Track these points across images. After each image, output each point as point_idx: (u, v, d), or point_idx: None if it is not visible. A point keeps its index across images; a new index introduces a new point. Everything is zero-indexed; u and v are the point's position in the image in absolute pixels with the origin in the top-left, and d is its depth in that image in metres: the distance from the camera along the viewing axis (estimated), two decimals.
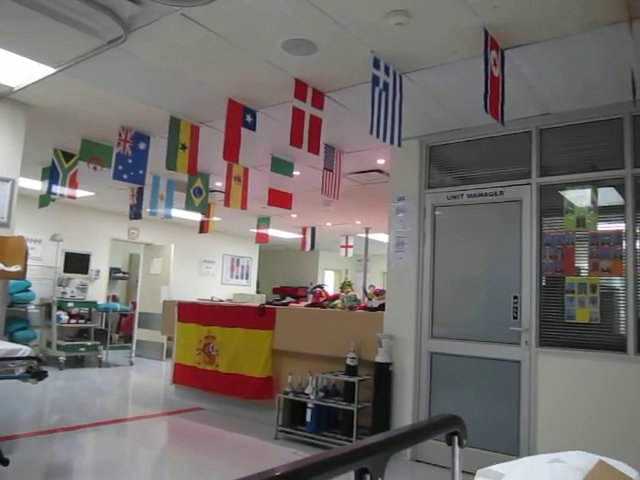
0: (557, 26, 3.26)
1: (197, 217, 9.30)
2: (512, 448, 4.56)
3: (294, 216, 10.72)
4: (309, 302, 7.12)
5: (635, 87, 2.87)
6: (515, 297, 4.73)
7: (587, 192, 4.60)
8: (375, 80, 3.65)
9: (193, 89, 4.54)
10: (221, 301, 8.40)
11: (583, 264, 4.51)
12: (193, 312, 7.18)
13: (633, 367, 4.13)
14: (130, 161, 5.46)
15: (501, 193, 4.92)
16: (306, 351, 5.88)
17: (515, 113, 4.59)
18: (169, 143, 5.02)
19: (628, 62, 3.34)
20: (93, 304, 10.20)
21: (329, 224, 12.04)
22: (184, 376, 7.09)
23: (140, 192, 7.55)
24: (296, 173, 6.58)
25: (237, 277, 14.95)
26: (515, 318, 4.71)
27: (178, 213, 8.59)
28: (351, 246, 13.45)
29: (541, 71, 3.89)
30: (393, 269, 5.45)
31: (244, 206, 6.36)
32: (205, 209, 7.56)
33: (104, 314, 10.38)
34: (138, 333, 11.06)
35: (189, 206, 6.89)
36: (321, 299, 6.78)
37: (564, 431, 4.32)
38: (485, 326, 4.89)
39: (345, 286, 7.89)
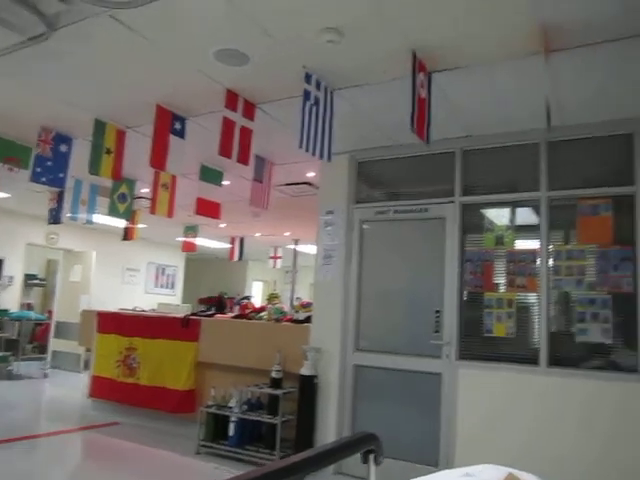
0: (481, 53, 3.41)
1: (121, 223, 8.98)
2: (432, 460, 4.67)
3: (223, 225, 10.58)
4: (235, 313, 7.03)
5: (550, 115, 3.04)
6: (437, 311, 4.88)
7: (506, 212, 4.83)
8: (306, 95, 3.68)
9: (120, 93, 4.40)
10: (144, 311, 8.13)
11: (501, 280, 4.72)
12: (114, 322, 6.91)
13: (545, 379, 4.35)
14: (50, 163, 5.20)
15: (426, 210, 5.07)
16: (231, 363, 5.80)
17: (440, 134, 4.76)
18: (93, 147, 4.83)
19: (544, 91, 3.55)
20: (4, 312, 9.62)
21: (258, 235, 11.98)
22: (102, 389, 6.80)
23: (60, 196, 7.19)
24: (226, 182, 6.50)
25: (162, 286, 14.55)
26: (437, 332, 4.85)
27: (101, 219, 8.26)
28: (280, 257, 13.43)
29: (465, 95, 4.05)
30: (320, 282, 5.48)
31: (171, 214, 6.22)
32: (130, 216, 7.29)
33: (17, 323, 9.79)
34: (54, 344, 10.48)
35: (113, 212, 6.64)
36: (247, 310, 6.71)
37: (482, 443, 4.48)
38: (408, 339, 5.01)
39: (272, 298, 7.86)
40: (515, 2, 2.83)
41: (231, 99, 4.16)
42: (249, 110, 4.33)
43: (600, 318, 4.29)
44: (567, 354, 4.39)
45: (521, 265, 4.63)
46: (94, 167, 4.80)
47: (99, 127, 4.88)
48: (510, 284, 4.66)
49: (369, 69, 3.70)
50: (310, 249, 12.07)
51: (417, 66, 3.35)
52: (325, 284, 5.43)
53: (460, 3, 2.87)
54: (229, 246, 12.39)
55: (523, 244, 4.71)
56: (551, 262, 4.53)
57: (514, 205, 4.80)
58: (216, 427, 5.46)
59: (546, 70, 3.09)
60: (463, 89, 3.95)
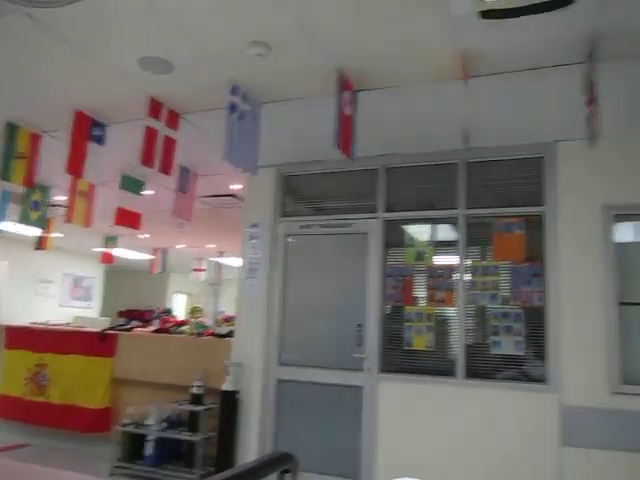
0: (405, 76, 3.53)
1: (34, 232, 8.50)
2: (355, 473, 4.69)
3: (145, 236, 10.26)
4: (155, 328, 6.82)
5: (467, 137, 3.18)
6: (360, 325, 4.94)
7: (426, 228, 4.98)
8: (232, 107, 3.65)
9: (37, 95, 4.19)
10: (57, 325, 7.72)
11: (421, 295, 4.85)
12: (23, 337, 6.51)
13: (462, 390, 4.50)
14: None
15: (350, 225, 5.14)
16: (150, 380, 5.59)
17: (365, 151, 4.83)
18: (4, 151, 4.56)
19: (463, 114, 3.71)
20: None
21: (182, 246, 11.70)
22: (9, 409, 6.36)
23: None
24: (149, 192, 6.32)
25: (79, 299, 13.88)
26: (359, 345, 4.90)
27: (12, 227, 7.79)
28: (204, 269, 13.18)
29: (389, 114, 4.17)
30: (244, 295, 5.42)
31: (88, 223, 5.96)
32: (43, 224, 6.94)
33: None
34: None
35: (25, 220, 6.29)
36: (168, 325, 6.52)
37: (403, 455, 4.55)
38: (332, 353, 5.03)
39: (194, 312, 7.68)
40: (437, 30, 2.95)
41: (154, 107, 4.06)
42: (173, 119, 4.25)
43: (513, 331, 4.50)
44: (483, 366, 4.56)
45: (440, 280, 4.79)
46: (5, 172, 4.54)
47: (11, 130, 4.62)
48: (430, 298, 4.80)
49: (297, 84, 3.73)
50: (235, 262, 11.93)
51: (343, 84, 3.42)
52: (249, 297, 5.37)
53: (385, 28, 2.95)
54: (151, 257, 12.02)
55: (442, 259, 4.87)
56: (468, 277, 4.71)
57: (434, 222, 4.97)
58: (133, 446, 5.23)
59: (465, 94, 3.23)
60: (387, 108, 4.06)
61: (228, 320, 6.06)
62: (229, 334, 5.54)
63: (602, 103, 3.68)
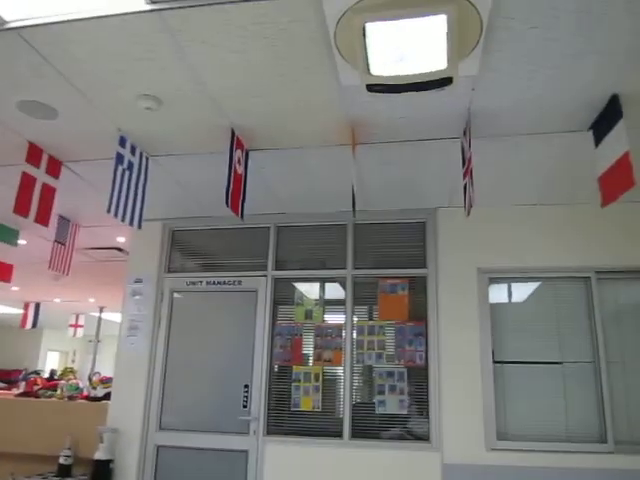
0: (297, 139, 3.61)
1: None
2: None
3: (15, 289, 9.45)
4: (20, 391, 6.18)
5: (355, 200, 3.29)
6: (246, 386, 4.80)
7: (316, 287, 5.02)
8: (119, 158, 3.52)
9: None
10: None
11: (309, 354, 4.83)
12: None
13: (348, 451, 4.46)
14: None
15: (239, 283, 5.07)
16: (10, 450, 5.02)
17: (257, 209, 4.88)
18: None
19: (351, 178, 3.84)
20: None
21: (58, 300, 10.89)
22: None
23: None
24: (22, 242, 5.86)
25: None
26: (245, 407, 4.74)
27: None
28: (81, 326, 12.32)
29: (280, 174, 4.23)
30: (124, 354, 5.09)
31: None
32: None
33: None
34: None
35: None
36: (36, 387, 5.95)
37: None
38: (217, 416, 4.82)
39: (67, 373, 7.08)
40: (328, 98, 3.07)
41: (34, 153, 3.82)
42: (54, 167, 4.01)
43: (397, 390, 4.59)
44: (368, 426, 4.57)
45: (328, 339, 4.81)
46: None
47: None
48: (317, 358, 4.79)
49: (188, 140, 3.68)
50: (117, 317, 11.27)
51: (235, 143, 3.42)
52: (129, 357, 5.05)
53: (278, 92, 3.02)
54: (22, 312, 11.05)
55: (330, 318, 4.91)
56: (355, 336, 4.77)
57: (323, 281, 5.03)
58: None
59: (352, 161, 3.37)
60: (278, 169, 4.12)
61: (105, 382, 5.62)
62: (105, 397, 5.14)
63: (476, 175, 4.00)
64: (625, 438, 4.24)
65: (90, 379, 6.72)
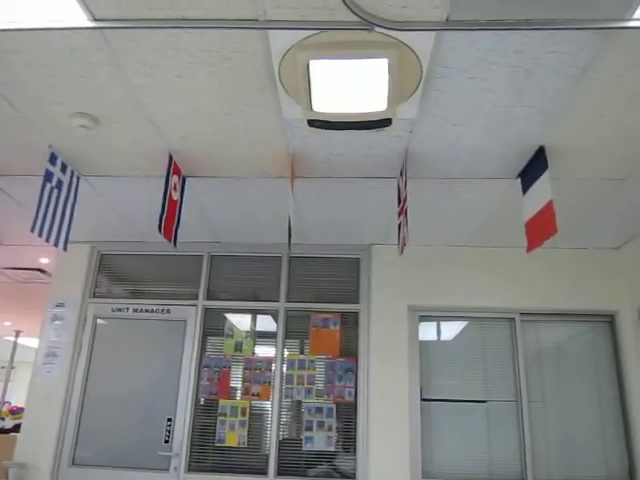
0: (236, 168, 3.59)
1: None
2: None
3: None
4: None
5: (290, 232, 3.29)
6: (169, 419, 4.61)
7: (247, 318, 4.95)
8: (48, 176, 3.37)
9: None
10: None
11: (237, 387, 4.71)
12: None
13: None
14: None
15: (168, 311, 4.91)
16: None
17: (191, 236, 4.79)
18: None
19: (288, 210, 3.85)
20: None
21: None
22: None
23: None
24: None
25: None
26: (167, 442, 4.54)
27: None
28: None
29: (217, 202, 4.17)
30: (39, 383, 4.79)
31: None
32: None
33: None
34: None
35: None
36: None
37: None
38: (136, 450, 4.58)
39: None
40: (268, 130, 3.08)
41: None
42: None
43: (325, 426, 4.54)
44: (295, 463, 4.48)
45: (257, 373, 4.71)
46: None
47: None
48: (245, 392, 4.68)
49: (123, 161, 3.58)
50: (34, 343, 10.65)
51: (172, 168, 3.36)
52: (44, 386, 4.75)
53: (219, 120, 3.01)
54: None
55: (261, 351, 4.83)
56: (285, 370, 4.70)
57: (255, 312, 4.96)
58: None
59: (291, 193, 3.37)
60: (216, 197, 4.07)
61: (15, 412, 5.27)
62: (14, 429, 4.80)
63: (411, 214, 4.10)
64: (544, 477, 4.36)
65: None
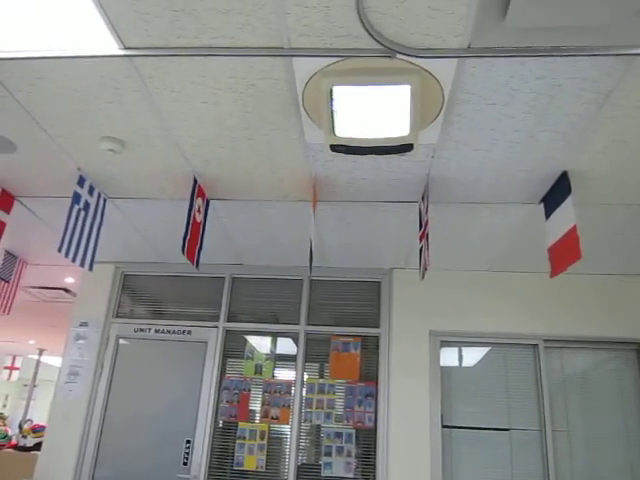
0: (259, 191, 3.63)
1: None
2: None
3: None
4: None
5: (312, 256, 3.31)
6: (188, 441, 4.60)
7: (267, 341, 4.94)
8: (76, 198, 3.45)
9: None
10: None
11: (256, 410, 4.70)
12: None
13: None
14: None
15: (189, 333, 4.94)
16: None
17: (213, 257, 4.84)
18: None
19: (309, 234, 3.87)
20: None
21: None
22: None
23: None
24: None
25: None
26: (185, 464, 4.53)
27: None
28: (17, 368, 11.68)
29: (239, 225, 4.22)
30: (60, 402, 4.83)
31: None
32: None
33: None
34: None
35: None
36: None
37: None
38: (154, 472, 4.57)
39: None
40: (291, 154, 3.12)
41: None
42: (6, 201, 3.90)
43: (344, 452, 4.48)
44: None
45: (276, 396, 4.69)
46: None
47: None
48: (265, 415, 4.66)
49: (148, 185, 3.65)
50: (57, 361, 10.77)
51: (196, 191, 3.42)
52: (66, 405, 4.79)
53: (243, 144, 3.06)
54: None
55: (280, 374, 4.82)
56: (304, 394, 4.68)
57: (275, 335, 4.96)
58: None
59: (313, 216, 3.40)
60: (238, 219, 4.12)
61: (36, 430, 5.31)
62: (35, 447, 4.84)
63: (432, 239, 4.09)
64: None
65: (21, 427, 6.33)
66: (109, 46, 2.34)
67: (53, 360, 11.04)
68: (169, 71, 2.49)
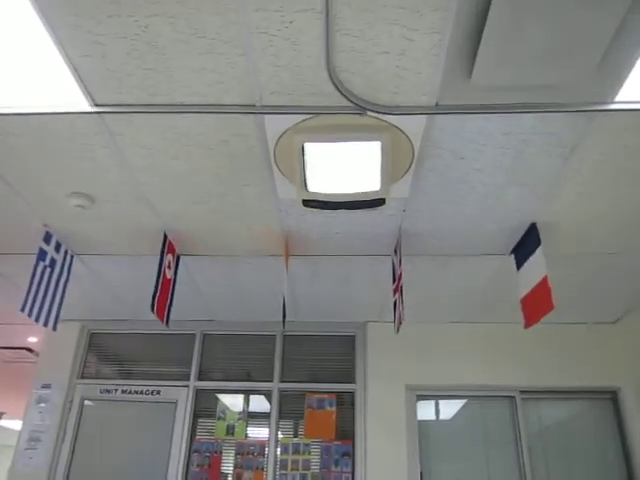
0: (231, 247, 3.59)
1: None
2: None
3: None
4: None
5: (285, 311, 3.25)
6: None
7: (240, 399, 4.79)
8: (42, 255, 3.35)
9: None
10: None
11: (228, 474, 4.49)
12: None
13: None
14: None
15: (158, 393, 4.75)
16: None
17: (184, 314, 4.73)
18: None
19: (282, 289, 3.82)
20: None
21: None
22: None
23: None
24: None
25: None
26: None
27: None
28: None
29: (211, 280, 4.15)
30: (19, 470, 4.55)
31: None
32: None
33: None
34: None
35: None
36: None
37: None
38: None
39: None
40: (264, 209, 3.11)
41: None
42: None
43: None
44: None
45: (249, 458, 4.51)
46: None
47: None
48: (237, 478, 4.45)
49: (117, 240, 3.58)
50: (17, 425, 10.23)
51: (167, 247, 3.36)
52: (25, 473, 4.51)
53: (214, 200, 3.04)
54: None
55: (253, 433, 4.65)
56: (279, 454, 4.51)
57: (248, 393, 4.81)
58: None
59: (286, 271, 3.37)
60: (209, 275, 4.05)
61: None
62: None
63: (406, 291, 4.08)
64: None
65: None
66: (79, 103, 2.33)
67: (12, 424, 10.49)
68: (140, 127, 2.48)
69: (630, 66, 2.02)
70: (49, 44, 2.02)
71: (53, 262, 3.48)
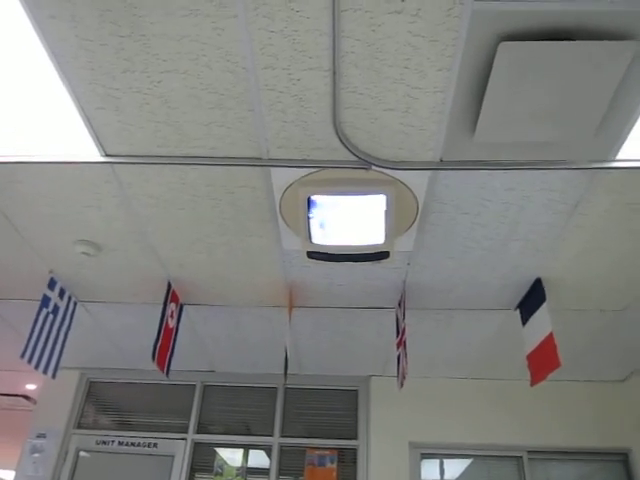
0: (234, 297, 3.58)
1: None
2: None
3: None
4: None
5: (287, 363, 3.21)
6: None
7: (239, 454, 4.66)
8: (45, 301, 3.35)
9: None
10: None
11: None
12: None
13: None
14: None
15: (155, 445, 4.64)
16: None
17: (184, 364, 4.67)
18: None
19: (284, 341, 3.78)
20: None
21: None
22: None
23: None
24: None
25: None
26: None
27: None
28: None
29: (213, 331, 4.12)
30: None
31: None
32: None
33: None
34: None
35: None
36: None
37: None
38: None
39: None
40: (268, 260, 3.12)
41: None
42: None
43: None
44: None
45: None
46: None
47: None
48: None
49: (121, 288, 3.58)
50: (10, 475, 9.94)
51: (170, 296, 3.36)
52: None
53: (219, 251, 3.06)
54: None
55: None
56: None
57: (247, 447, 4.68)
58: None
59: (289, 323, 3.35)
60: (211, 325, 4.02)
61: None
62: None
63: (410, 346, 4.04)
64: None
65: None
66: (91, 153, 2.38)
67: (4, 474, 10.20)
68: (148, 178, 2.52)
69: (631, 124, 2.06)
70: (65, 96, 2.08)
71: (56, 309, 3.48)
